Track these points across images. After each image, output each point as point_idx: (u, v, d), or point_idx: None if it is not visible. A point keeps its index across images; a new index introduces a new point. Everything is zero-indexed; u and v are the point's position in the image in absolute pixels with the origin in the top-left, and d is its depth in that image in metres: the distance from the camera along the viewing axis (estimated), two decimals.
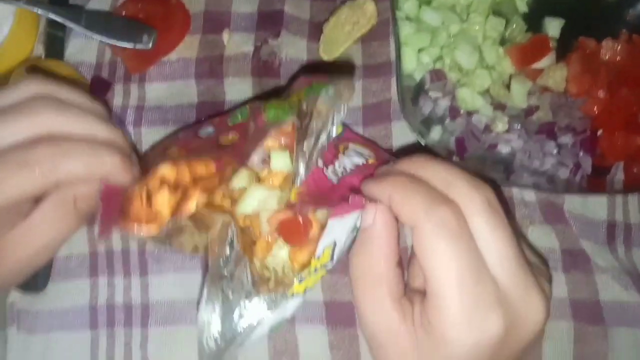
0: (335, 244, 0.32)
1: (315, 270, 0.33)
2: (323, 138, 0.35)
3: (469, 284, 0.26)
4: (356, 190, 0.32)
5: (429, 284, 0.27)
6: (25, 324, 0.42)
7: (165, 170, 0.34)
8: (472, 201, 0.27)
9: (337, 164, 0.37)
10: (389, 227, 0.29)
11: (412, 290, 0.31)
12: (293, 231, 0.34)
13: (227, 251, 0.33)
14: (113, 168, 0.32)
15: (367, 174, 0.34)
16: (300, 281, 0.33)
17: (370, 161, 0.38)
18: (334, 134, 0.36)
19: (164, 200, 0.33)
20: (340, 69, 0.46)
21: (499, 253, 0.27)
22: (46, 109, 0.31)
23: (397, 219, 0.30)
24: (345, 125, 0.42)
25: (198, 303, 0.42)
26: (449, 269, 0.26)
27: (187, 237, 0.37)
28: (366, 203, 0.30)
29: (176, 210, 0.32)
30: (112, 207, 0.33)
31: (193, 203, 0.32)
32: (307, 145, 0.34)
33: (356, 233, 0.32)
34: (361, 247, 0.30)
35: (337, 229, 0.32)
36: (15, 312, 0.42)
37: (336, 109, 0.35)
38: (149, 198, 0.33)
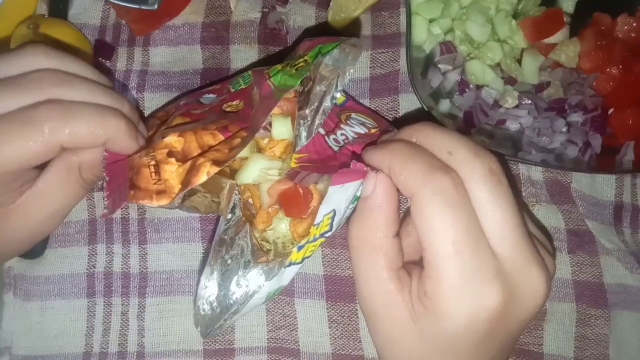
0: (334, 213, 0.31)
1: (314, 238, 0.31)
2: (326, 102, 0.33)
3: (466, 254, 0.25)
4: (357, 158, 0.31)
5: (425, 253, 0.26)
6: (22, 290, 0.41)
7: (172, 140, 0.32)
8: (473, 169, 0.26)
9: (338, 132, 0.35)
10: (389, 196, 0.28)
11: (411, 263, 0.29)
12: (293, 202, 0.32)
13: (229, 215, 0.32)
14: (117, 130, 0.31)
15: (369, 142, 0.33)
16: (299, 249, 0.32)
17: (373, 131, 0.36)
18: (337, 96, 0.34)
19: (172, 171, 0.31)
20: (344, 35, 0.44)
21: (500, 224, 0.26)
22: (51, 84, 0.30)
23: (398, 189, 0.28)
24: (348, 96, 0.40)
25: (199, 271, 0.41)
26: (445, 237, 0.25)
27: (199, 199, 0.35)
28: (367, 171, 0.29)
29: (186, 180, 0.31)
30: (118, 179, 0.32)
31: (204, 176, 0.30)
32: (309, 110, 0.32)
33: (356, 204, 0.30)
34: (360, 216, 0.29)
35: (338, 197, 0.30)
36: (12, 277, 0.41)
37: (341, 71, 0.34)
38: (157, 169, 0.31)
